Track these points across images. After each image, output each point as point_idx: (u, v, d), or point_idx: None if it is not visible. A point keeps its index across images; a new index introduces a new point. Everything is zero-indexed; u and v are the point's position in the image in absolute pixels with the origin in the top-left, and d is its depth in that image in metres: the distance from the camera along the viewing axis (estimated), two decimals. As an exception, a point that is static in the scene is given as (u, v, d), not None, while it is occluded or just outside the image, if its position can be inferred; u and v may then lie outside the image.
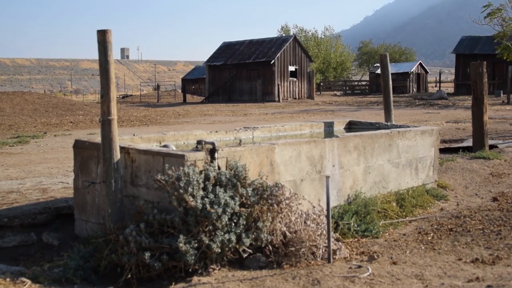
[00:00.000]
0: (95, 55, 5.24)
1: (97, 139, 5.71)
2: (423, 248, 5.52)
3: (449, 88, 63.57)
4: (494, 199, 7.67)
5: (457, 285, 4.22)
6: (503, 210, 6.95)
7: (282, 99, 47.69)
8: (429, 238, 5.91)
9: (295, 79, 50.03)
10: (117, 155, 5.18)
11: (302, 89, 51.03)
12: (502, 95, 42.32)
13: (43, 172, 9.69)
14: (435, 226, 6.36)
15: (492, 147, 11.66)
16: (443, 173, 8.96)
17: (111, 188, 5.15)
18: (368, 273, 4.58)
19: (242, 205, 4.79)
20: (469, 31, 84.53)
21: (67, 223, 6.27)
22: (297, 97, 50.33)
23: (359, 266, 4.81)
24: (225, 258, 4.75)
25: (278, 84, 47.65)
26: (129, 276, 4.54)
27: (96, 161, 5.69)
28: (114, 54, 5.30)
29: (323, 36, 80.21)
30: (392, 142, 7.30)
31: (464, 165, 9.53)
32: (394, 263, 4.96)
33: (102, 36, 5.11)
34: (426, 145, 7.92)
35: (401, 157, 7.44)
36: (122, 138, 6.07)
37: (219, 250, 4.59)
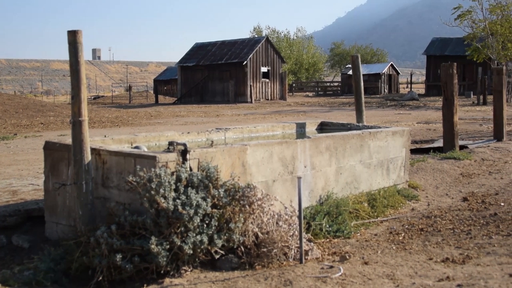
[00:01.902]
0: (66, 56, 5.20)
1: (68, 140, 5.66)
2: (394, 248, 5.56)
3: (420, 89, 64.18)
4: (464, 199, 7.75)
5: (428, 284, 4.25)
6: (473, 210, 7.03)
7: (255, 100, 47.75)
8: (400, 238, 5.96)
9: (267, 80, 50.12)
10: (88, 156, 5.14)
11: (275, 90, 51.15)
12: (472, 96, 42.87)
13: (13, 174, 9.58)
14: (406, 226, 6.41)
15: (462, 147, 11.79)
16: (414, 174, 9.04)
17: (82, 190, 5.11)
18: (340, 273, 4.60)
19: (214, 206, 4.78)
20: (439, 33, 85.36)
21: (38, 226, 6.20)
22: (269, 98, 50.42)
23: (331, 267, 4.82)
24: (197, 259, 4.74)
25: (250, 85, 47.70)
26: (101, 278, 4.51)
27: (67, 163, 5.64)
28: (86, 55, 5.26)
29: (295, 37, 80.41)
30: (364, 143, 7.34)
31: (435, 165, 9.62)
32: (366, 263, 4.99)
33: (73, 37, 5.06)
34: (397, 146, 7.98)
35: (373, 157, 7.49)
36: (93, 139, 6.03)
37: (191, 252, 4.57)
